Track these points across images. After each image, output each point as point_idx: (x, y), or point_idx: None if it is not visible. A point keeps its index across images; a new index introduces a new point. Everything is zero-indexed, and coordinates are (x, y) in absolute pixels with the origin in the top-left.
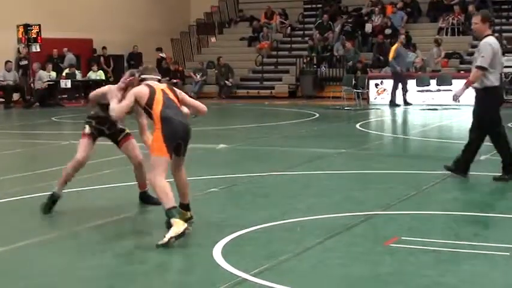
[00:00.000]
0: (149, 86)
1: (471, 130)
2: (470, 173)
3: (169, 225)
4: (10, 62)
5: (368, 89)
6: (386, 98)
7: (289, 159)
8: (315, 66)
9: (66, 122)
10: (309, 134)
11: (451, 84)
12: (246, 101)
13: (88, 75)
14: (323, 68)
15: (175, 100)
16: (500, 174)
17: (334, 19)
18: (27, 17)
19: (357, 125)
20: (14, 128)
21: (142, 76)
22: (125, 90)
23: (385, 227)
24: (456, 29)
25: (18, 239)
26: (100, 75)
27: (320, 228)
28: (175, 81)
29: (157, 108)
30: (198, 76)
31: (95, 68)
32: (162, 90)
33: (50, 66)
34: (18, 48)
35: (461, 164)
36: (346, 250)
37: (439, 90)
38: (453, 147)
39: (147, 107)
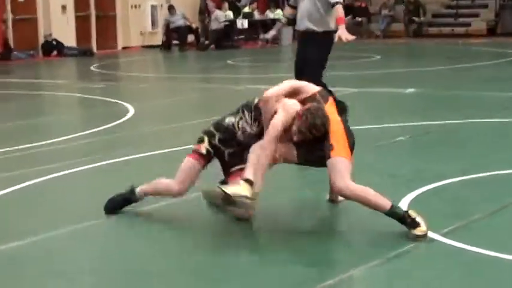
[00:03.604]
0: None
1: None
2: None
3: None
4: (172, 6)
5: None
6: None
7: (487, 106)
8: None
9: (242, 66)
10: (510, 77)
11: None
12: (438, 40)
13: (266, 14)
14: None
15: None
16: None
17: None
18: None
19: None
20: (188, 72)
21: None
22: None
23: None
24: None
25: None
26: (278, 14)
27: None
28: (359, 19)
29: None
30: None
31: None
32: None
33: (226, 5)
34: None
35: None
36: None
37: None
38: None
39: None
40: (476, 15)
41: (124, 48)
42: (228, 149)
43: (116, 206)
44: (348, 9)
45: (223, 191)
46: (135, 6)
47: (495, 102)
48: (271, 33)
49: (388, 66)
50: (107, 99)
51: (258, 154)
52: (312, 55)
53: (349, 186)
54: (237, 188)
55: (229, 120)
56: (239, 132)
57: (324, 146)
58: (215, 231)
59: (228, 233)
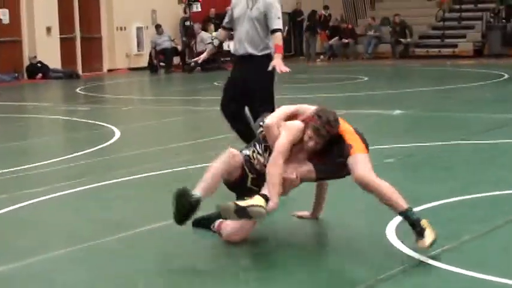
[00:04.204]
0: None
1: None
2: None
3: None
4: (160, 25)
5: None
6: None
7: (474, 126)
8: (503, 20)
9: None
10: (496, 98)
11: None
12: (424, 61)
13: None
14: None
15: None
16: None
17: None
18: None
19: None
20: (175, 94)
21: None
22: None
23: None
24: None
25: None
26: None
27: (510, 205)
28: (346, 41)
29: None
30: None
31: None
32: None
33: (211, 26)
34: (185, 9)
35: None
36: None
37: None
38: None
39: None
40: (463, 37)
41: (110, 70)
42: (251, 174)
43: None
44: (335, 31)
45: (236, 204)
46: (121, 28)
47: (483, 123)
48: (202, 57)
49: (375, 88)
50: (93, 121)
51: (270, 173)
52: (258, 83)
53: (372, 175)
54: (251, 200)
55: (245, 152)
56: (255, 162)
57: (340, 152)
58: (214, 252)
59: (219, 256)
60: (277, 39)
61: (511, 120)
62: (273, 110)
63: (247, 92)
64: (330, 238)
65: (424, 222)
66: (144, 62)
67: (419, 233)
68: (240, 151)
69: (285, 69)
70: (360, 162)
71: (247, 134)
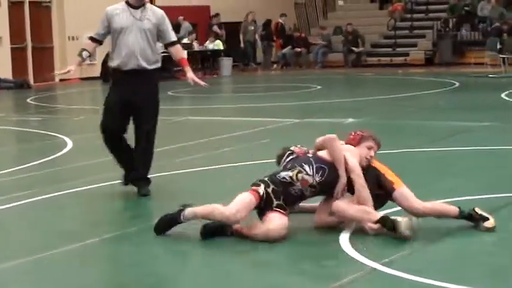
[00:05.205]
0: None
1: (143, 124)
2: None
3: None
4: None
5: None
6: None
7: (426, 134)
8: (454, 29)
9: (183, 97)
10: (448, 106)
11: None
12: (377, 69)
13: (205, 45)
14: (464, 31)
15: None
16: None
17: None
18: None
19: (503, 95)
20: None
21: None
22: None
23: None
24: None
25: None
26: (218, 45)
27: None
28: (298, 49)
29: None
30: (320, 40)
31: (211, 37)
32: None
33: None
34: None
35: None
36: (493, 236)
37: None
38: None
39: None
40: (414, 45)
41: (62, 80)
42: (276, 201)
43: (164, 226)
44: (288, 39)
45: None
46: (73, 38)
47: (436, 131)
48: (69, 68)
49: (328, 97)
50: (45, 132)
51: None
52: (148, 99)
53: (424, 205)
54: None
55: (286, 174)
56: (298, 183)
57: (378, 184)
58: (166, 261)
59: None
60: (180, 51)
61: (464, 128)
62: (154, 126)
63: (135, 108)
64: (283, 246)
65: (477, 210)
66: (96, 71)
67: (480, 219)
68: (271, 177)
69: (205, 84)
70: (410, 197)
71: (128, 156)
